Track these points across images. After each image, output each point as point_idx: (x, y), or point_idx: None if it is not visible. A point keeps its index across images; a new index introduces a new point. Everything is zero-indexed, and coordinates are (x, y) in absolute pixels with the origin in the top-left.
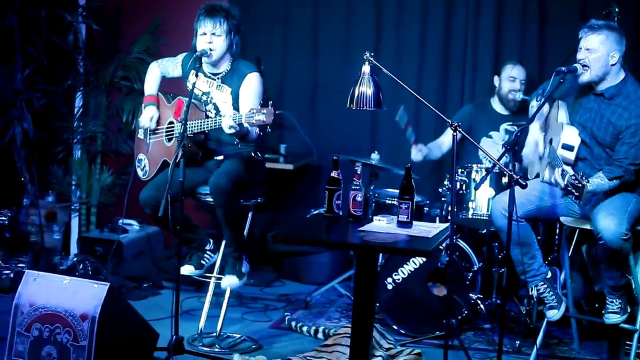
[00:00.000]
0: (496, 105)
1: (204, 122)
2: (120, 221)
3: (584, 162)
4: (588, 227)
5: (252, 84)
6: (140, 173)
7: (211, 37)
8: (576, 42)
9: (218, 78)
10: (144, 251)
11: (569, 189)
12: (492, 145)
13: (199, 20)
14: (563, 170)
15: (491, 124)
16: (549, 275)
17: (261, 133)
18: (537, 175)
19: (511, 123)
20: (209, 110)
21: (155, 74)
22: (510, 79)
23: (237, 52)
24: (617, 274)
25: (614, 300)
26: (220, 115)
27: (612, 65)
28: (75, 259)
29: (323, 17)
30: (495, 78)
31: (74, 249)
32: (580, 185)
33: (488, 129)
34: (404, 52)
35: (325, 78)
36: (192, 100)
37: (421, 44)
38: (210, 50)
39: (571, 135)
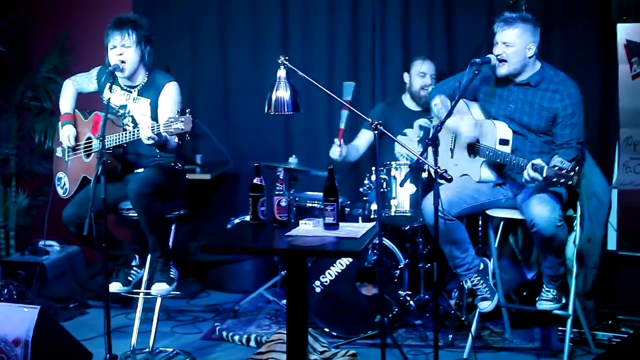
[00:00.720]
0: (408, 102)
1: (122, 135)
2: (41, 242)
3: (514, 153)
4: (516, 216)
5: (170, 94)
6: (60, 191)
7: (121, 49)
8: (484, 33)
9: (135, 90)
10: (66, 271)
11: (554, 180)
12: (408, 143)
13: (108, 34)
14: (534, 165)
15: (405, 122)
16: (482, 267)
17: (180, 142)
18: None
19: (426, 119)
20: (127, 124)
21: (69, 91)
22: (421, 74)
23: (150, 62)
24: (554, 262)
25: (551, 290)
26: (138, 128)
27: (530, 57)
28: None
29: (230, 22)
30: (405, 75)
31: None
32: (572, 173)
33: (402, 127)
34: (312, 52)
35: (236, 83)
36: (109, 115)
37: (329, 44)
38: (122, 62)
39: (504, 130)
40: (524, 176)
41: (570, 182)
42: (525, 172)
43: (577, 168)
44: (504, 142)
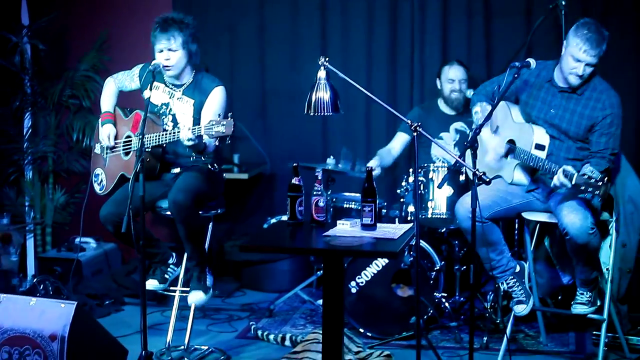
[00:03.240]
0: (443, 106)
1: (162, 135)
2: (77, 239)
3: (548, 158)
4: (552, 220)
5: (217, 98)
6: (97, 188)
7: (168, 53)
8: (523, 37)
9: (180, 90)
10: (102, 268)
11: (583, 188)
12: (444, 146)
13: (154, 36)
14: (565, 170)
15: (440, 125)
16: (518, 269)
17: (220, 145)
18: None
19: (462, 123)
20: (166, 123)
21: (110, 89)
22: (449, 81)
23: (196, 60)
24: (587, 268)
25: (584, 293)
26: (178, 128)
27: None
28: (34, 279)
29: (268, 23)
30: (437, 80)
31: (31, 270)
32: (600, 183)
33: (438, 130)
34: (350, 55)
35: (274, 85)
36: (149, 114)
37: (368, 46)
38: (168, 67)
39: (542, 135)
40: (554, 181)
41: (597, 192)
42: (555, 177)
43: (605, 179)
44: (539, 147)
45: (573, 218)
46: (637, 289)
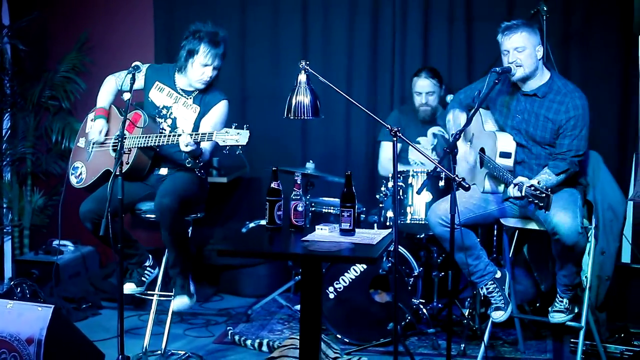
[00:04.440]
0: None
1: (160, 137)
2: (55, 242)
3: (521, 165)
4: (530, 227)
5: (221, 111)
6: (74, 180)
7: (209, 69)
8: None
9: (191, 97)
10: (80, 272)
11: (530, 200)
12: (424, 151)
13: (203, 47)
14: (516, 183)
15: (418, 129)
16: (499, 275)
17: (228, 153)
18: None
19: (440, 127)
20: (162, 128)
21: (110, 86)
22: (417, 93)
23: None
24: (572, 271)
25: (564, 300)
26: (176, 133)
27: (539, 59)
28: (12, 282)
29: (250, 26)
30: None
31: (8, 273)
32: (544, 195)
33: (416, 134)
34: (331, 58)
35: (254, 88)
36: (148, 114)
37: (348, 50)
38: (202, 81)
39: (507, 142)
40: (507, 193)
41: (541, 204)
42: (509, 188)
43: (549, 191)
44: (505, 154)
45: (563, 217)
46: (616, 297)
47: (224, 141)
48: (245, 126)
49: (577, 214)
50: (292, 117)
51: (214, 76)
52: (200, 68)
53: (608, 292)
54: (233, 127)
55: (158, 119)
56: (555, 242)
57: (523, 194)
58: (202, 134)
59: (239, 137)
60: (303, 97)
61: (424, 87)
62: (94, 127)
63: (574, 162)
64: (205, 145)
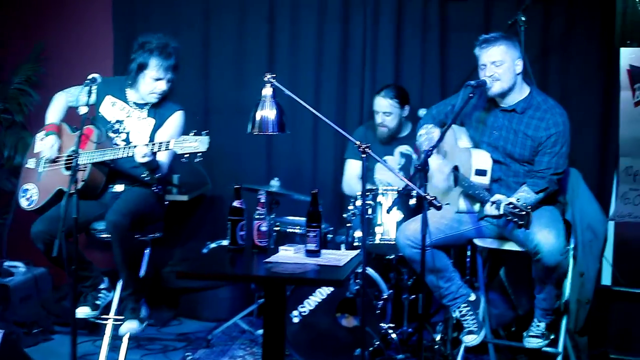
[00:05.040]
0: None
1: (115, 150)
2: (5, 263)
3: (498, 183)
4: (507, 247)
5: (176, 122)
6: (24, 203)
7: (161, 83)
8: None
9: (143, 110)
10: (31, 294)
11: (509, 218)
12: (388, 170)
13: (154, 60)
14: (493, 201)
15: (385, 148)
16: (473, 297)
17: (187, 161)
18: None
19: (408, 146)
20: (116, 143)
21: (60, 103)
22: (375, 111)
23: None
24: (552, 295)
25: (541, 324)
26: (131, 145)
27: (518, 74)
28: None
29: (214, 36)
30: None
31: None
32: (524, 212)
33: (382, 154)
34: (299, 71)
35: (218, 101)
36: (101, 128)
37: (317, 62)
38: (154, 94)
39: (482, 159)
40: (484, 211)
41: (521, 222)
42: (485, 207)
43: (529, 208)
44: (480, 172)
45: (546, 235)
46: (596, 321)
47: (182, 149)
48: (204, 132)
49: (560, 233)
50: (256, 133)
51: (168, 89)
52: (152, 82)
53: (588, 316)
54: (192, 134)
55: (111, 134)
56: (536, 262)
57: (501, 212)
58: (158, 143)
59: (197, 143)
60: (268, 112)
61: (381, 107)
62: (46, 143)
63: (554, 180)
64: (162, 158)
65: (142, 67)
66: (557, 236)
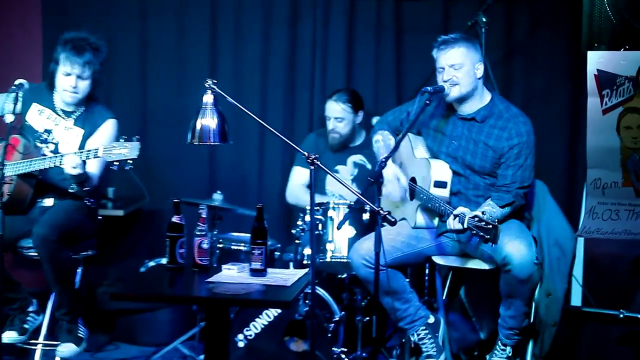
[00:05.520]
0: None
1: (42, 160)
2: None
3: (457, 197)
4: (470, 266)
5: (108, 131)
6: None
7: (77, 80)
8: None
9: (71, 119)
10: None
11: (474, 232)
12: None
13: (63, 54)
14: (456, 214)
15: (337, 157)
16: (432, 320)
17: (118, 170)
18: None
19: (361, 156)
20: (44, 154)
21: None
22: (326, 117)
23: (95, 92)
24: (521, 312)
25: (507, 348)
26: (60, 155)
27: (479, 79)
28: None
29: (151, 38)
30: None
31: None
32: (490, 226)
33: (334, 163)
34: (243, 76)
35: (156, 108)
36: (29, 138)
37: (263, 66)
38: (71, 95)
39: (442, 170)
40: (447, 225)
41: (488, 236)
42: (448, 221)
43: (496, 222)
44: (440, 184)
45: (517, 245)
46: (564, 345)
47: (111, 156)
48: (134, 137)
49: (531, 244)
50: (196, 143)
51: (87, 91)
52: (63, 78)
53: (555, 339)
54: (122, 140)
55: (39, 145)
56: (505, 274)
57: (465, 226)
58: (87, 150)
59: (127, 150)
60: (209, 121)
61: (332, 112)
62: None
63: (520, 194)
64: (92, 169)
65: (57, 62)
66: (528, 246)
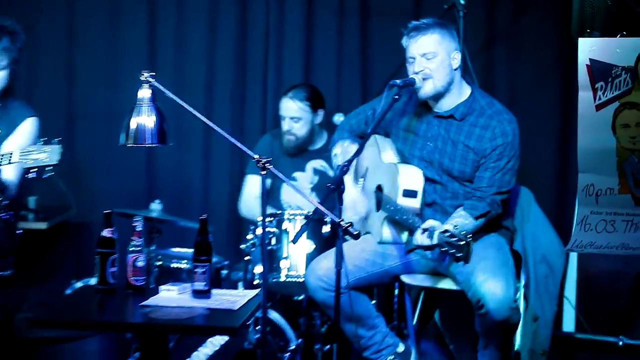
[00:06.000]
0: None
1: None
2: None
3: (432, 208)
4: (443, 286)
5: (27, 130)
6: None
7: None
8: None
9: None
10: None
11: (444, 249)
12: (300, 189)
13: None
14: (425, 228)
15: (294, 162)
16: (401, 348)
17: (37, 177)
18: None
19: (322, 161)
20: None
21: None
22: (281, 116)
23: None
24: (499, 353)
25: None
26: None
27: (455, 70)
28: None
29: (80, 25)
30: None
31: None
32: (462, 242)
33: (291, 169)
34: (186, 68)
35: (84, 105)
36: None
37: (209, 57)
38: None
39: (412, 177)
40: (414, 241)
41: (459, 254)
42: (415, 235)
43: (469, 237)
44: (409, 193)
45: (493, 286)
46: None
47: (28, 161)
48: (55, 140)
49: (509, 280)
50: (131, 145)
51: (4, 83)
52: None
53: None
54: (40, 142)
55: None
56: (481, 316)
57: (435, 242)
58: (0, 155)
59: (46, 154)
60: (145, 119)
61: (288, 111)
62: None
63: (496, 201)
64: (9, 176)
65: None
66: (506, 286)
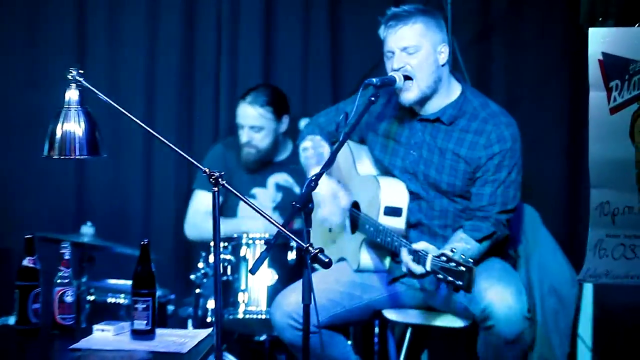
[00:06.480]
0: None
1: None
2: None
3: (417, 230)
4: (438, 323)
5: None
6: None
7: None
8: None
9: None
10: None
11: (440, 277)
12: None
13: None
14: (413, 251)
15: (253, 176)
16: None
17: None
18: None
19: (286, 175)
20: None
21: None
22: (239, 125)
23: None
24: None
25: None
26: None
27: (443, 66)
28: None
29: None
30: None
31: None
32: (463, 268)
33: (249, 185)
34: (122, 65)
35: (1, 112)
36: None
37: (150, 53)
38: None
39: (395, 192)
40: (402, 267)
41: (459, 282)
42: (403, 260)
43: (471, 262)
44: (392, 211)
45: (501, 293)
46: None
47: None
48: None
49: (520, 290)
50: (56, 157)
51: None
52: None
53: None
54: None
55: None
56: (486, 332)
57: (428, 269)
58: None
59: None
60: (74, 126)
61: (247, 119)
62: None
63: (502, 221)
64: None
65: None
66: (516, 292)
